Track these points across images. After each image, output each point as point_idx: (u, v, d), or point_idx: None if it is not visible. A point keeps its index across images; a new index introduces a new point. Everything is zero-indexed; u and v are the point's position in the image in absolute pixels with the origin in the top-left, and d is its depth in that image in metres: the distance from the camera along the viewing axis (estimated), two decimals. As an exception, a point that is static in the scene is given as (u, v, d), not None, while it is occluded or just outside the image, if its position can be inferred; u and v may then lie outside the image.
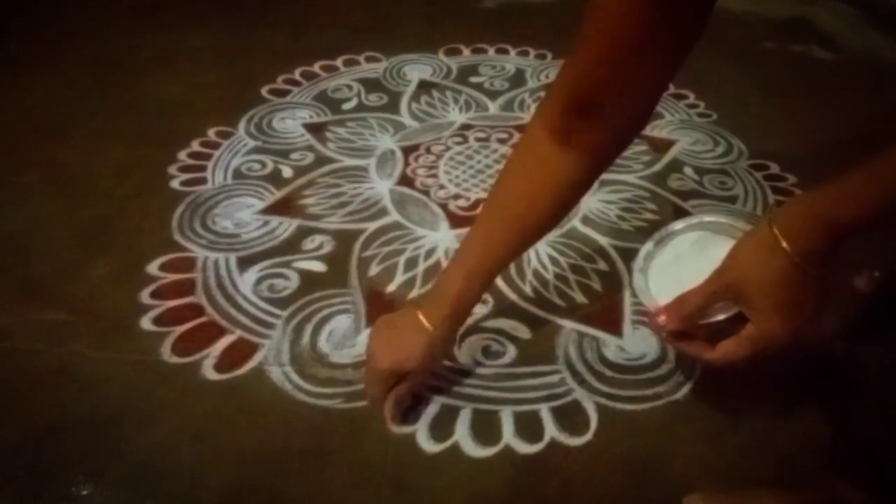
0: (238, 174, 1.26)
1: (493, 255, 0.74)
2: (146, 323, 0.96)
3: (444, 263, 1.07)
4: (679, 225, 0.72)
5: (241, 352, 0.93)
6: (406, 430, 0.83)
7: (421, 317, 0.76)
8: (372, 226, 1.15)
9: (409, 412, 0.85)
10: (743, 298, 0.57)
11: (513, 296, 1.02)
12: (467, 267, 0.75)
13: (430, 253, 1.09)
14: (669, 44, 0.57)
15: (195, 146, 1.32)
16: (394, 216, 1.17)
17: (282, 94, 1.51)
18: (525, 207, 0.70)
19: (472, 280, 0.75)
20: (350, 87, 1.53)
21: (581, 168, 0.66)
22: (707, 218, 0.70)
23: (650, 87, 0.62)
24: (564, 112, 0.63)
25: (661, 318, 0.64)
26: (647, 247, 0.72)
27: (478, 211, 1.18)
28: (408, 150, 1.33)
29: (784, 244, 0.53)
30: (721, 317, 0.61)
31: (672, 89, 1.55)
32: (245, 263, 1.06)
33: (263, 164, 1.29)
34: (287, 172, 1.27)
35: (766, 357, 0.59)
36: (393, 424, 0.83)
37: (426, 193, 1.22)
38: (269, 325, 0.96)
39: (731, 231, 0.68)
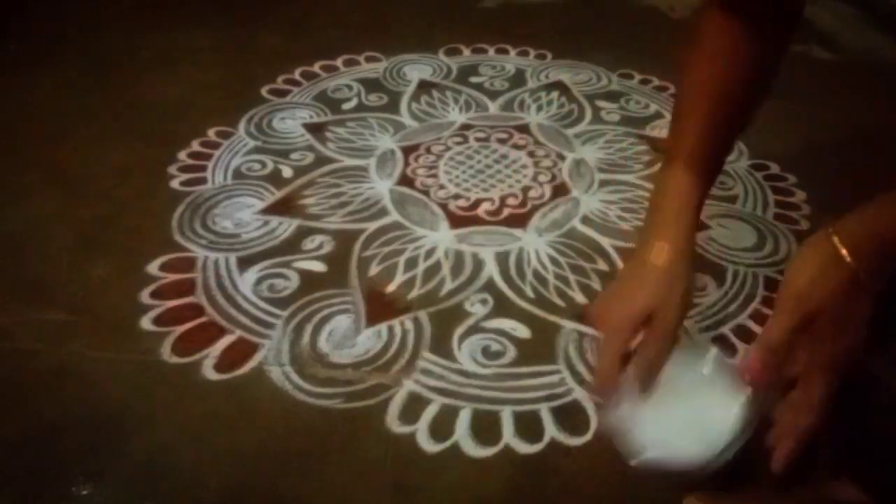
0: (238, 174, 1.26)
1: (708, 142, 0.66)
2: (146, 323, 0.96)
3: (444, 263, 1.07)
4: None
5: (241, 352, 0.93)
6: (407, 429, 0.84)
7: (654, 244, 0.62)
8: (372, 226, 1.15)
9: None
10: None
11: (513, 296, 1.02)
12: (687, 160, 0.65)
13: (429, 253, 1.09)
14: None
15: (195, 146, 1.32)
16: (394, 216, 1.17)
17: (282, 94, 1.51)
18: (724, 88, 0.68)
19: (699, 175, 0.65)
20: (350, 87, 1.53)
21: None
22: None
23: None
24: None
25: (750, 374, 0.54)
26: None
27: (478, 211, 1.19)
28: (408, 150, 1.33)
29: (849, 259, 0.51)
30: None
31: (672, 89, 1.54)
32: (245, 263, 1.06)
33: (263, 164, 1.28)
34: (287, 172, 1.27)
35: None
36: (615, 405, 0.61)
37: (426, 193, 1.22)
38: (269, 325, 0.96)
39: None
